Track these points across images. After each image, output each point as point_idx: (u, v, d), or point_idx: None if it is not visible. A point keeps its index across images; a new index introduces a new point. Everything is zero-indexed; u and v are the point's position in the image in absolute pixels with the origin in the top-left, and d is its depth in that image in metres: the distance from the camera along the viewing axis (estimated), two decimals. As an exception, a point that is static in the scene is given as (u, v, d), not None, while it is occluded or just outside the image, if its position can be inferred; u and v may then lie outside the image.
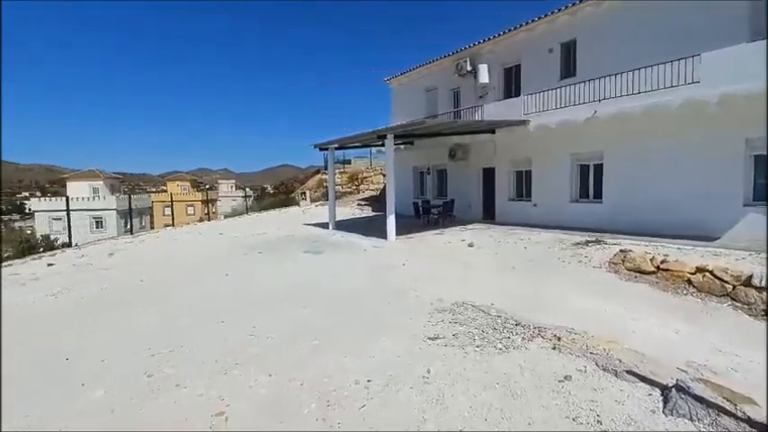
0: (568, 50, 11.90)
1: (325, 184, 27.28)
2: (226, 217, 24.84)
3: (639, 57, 9.58)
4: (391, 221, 10.73)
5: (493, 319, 4.50)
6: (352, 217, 17.21)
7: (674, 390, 2.92)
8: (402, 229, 11.27)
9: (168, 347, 4.08)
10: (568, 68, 11.91)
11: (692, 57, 8.54)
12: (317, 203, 23.78)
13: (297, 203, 25.32)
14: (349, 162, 29.00)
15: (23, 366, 3.79)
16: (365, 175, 26.79)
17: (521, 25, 12.70)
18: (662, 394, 2.95)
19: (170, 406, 3.02)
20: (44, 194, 65.96)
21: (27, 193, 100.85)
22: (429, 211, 14.20)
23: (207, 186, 64.19)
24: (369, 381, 3.24)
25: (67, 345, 4.29)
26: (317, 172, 32.20)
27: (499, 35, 13.40)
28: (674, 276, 6.20)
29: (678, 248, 7.39)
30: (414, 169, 18.24)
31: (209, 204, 37.98)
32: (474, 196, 15.02)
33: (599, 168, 11.03)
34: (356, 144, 14.87)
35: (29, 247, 22.68)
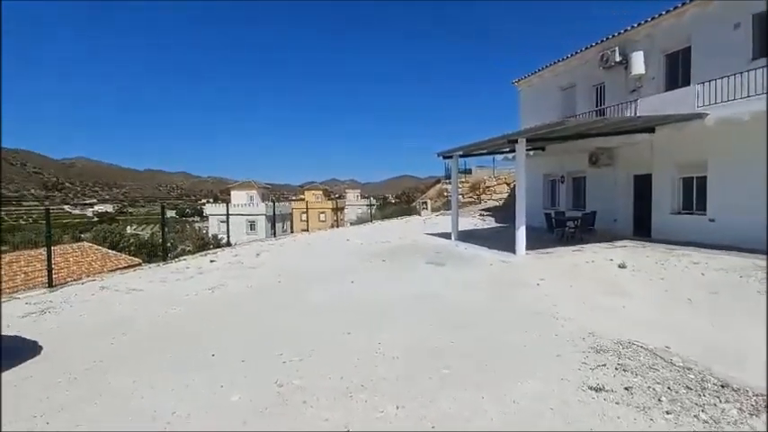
0: (763, 23, 9.25)
1: (445, 193, 26.92)
2: (352, 224, 26.36)
3: None
4: (521, 234, 9.70)
5: (681, 373, 3.38)
6: (475, 228, 16.39)
7: None
8: (532, 243, 10.12)
9: (298, 355, 4.11)
10: (763, 46, 9.25)
11: None
12: (438, 213, 23.53)
13: (418, 213, 25.48)
14: (469, 171, 28.02)
15: (179, 356, 4.24)
16: (487, 184, 25.68)
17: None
18: None
19: (296, 427, 2.89)
20: (215, 201, 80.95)
21: (205, 200, 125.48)
22: (564, 223, 12.57)
23: (336, 196, 70.19)
24: (517, 437, 2.63)
25: (216, 339, 4.70)
26: (438, 182, 32.01)
27: (660, 15, 11.24)
28: None
29: None
30: (544, 177, 16.59)
31: (338, 212, 41.07)
32: (621, 208, 12.84)
33: (820, 172, 8.21)
34: (482, 151, 14.08)
35: (203, 244, 29.25)
